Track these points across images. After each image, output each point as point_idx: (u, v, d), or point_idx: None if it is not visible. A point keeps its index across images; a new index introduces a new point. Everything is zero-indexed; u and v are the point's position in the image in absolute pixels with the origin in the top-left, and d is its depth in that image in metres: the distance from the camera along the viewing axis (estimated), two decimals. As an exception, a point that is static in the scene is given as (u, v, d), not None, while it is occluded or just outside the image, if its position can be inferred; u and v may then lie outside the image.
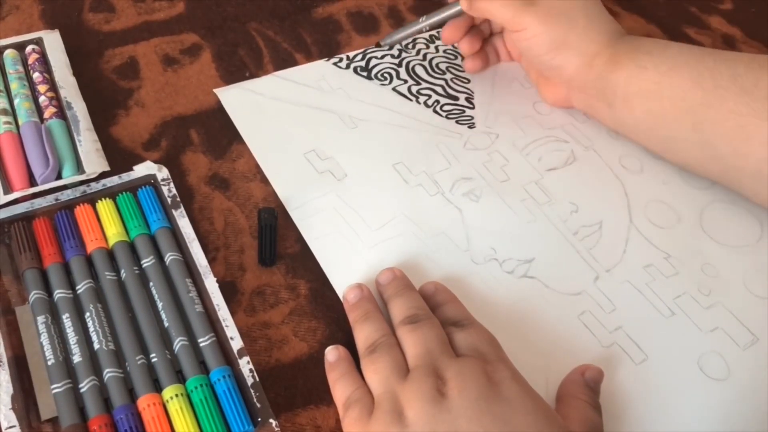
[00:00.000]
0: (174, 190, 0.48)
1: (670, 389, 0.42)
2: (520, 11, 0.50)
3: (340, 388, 0.39)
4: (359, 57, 0.59)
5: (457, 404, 0.35)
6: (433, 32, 0.62)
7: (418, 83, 0.58)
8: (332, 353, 0.41)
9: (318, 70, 0.58)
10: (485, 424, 0.34)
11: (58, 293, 0.42)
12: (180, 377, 0.40)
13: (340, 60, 0.59)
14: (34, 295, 0.42)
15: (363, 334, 0.40)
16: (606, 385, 0.41)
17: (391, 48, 0.59)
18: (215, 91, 0.56)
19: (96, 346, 0.40)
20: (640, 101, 0.49)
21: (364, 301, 0.43)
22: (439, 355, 0.38)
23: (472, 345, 0.39)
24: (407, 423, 0.35)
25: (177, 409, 0.38)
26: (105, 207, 0.46)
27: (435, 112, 0.56)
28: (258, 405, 0.39)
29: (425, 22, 0.55)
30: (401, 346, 0.39)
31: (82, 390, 0.38)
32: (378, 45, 0.58)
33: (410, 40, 0.61)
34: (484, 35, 0.57)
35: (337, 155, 0.52)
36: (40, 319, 0.41)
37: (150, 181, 0.48)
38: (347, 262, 0.46)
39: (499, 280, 0.46)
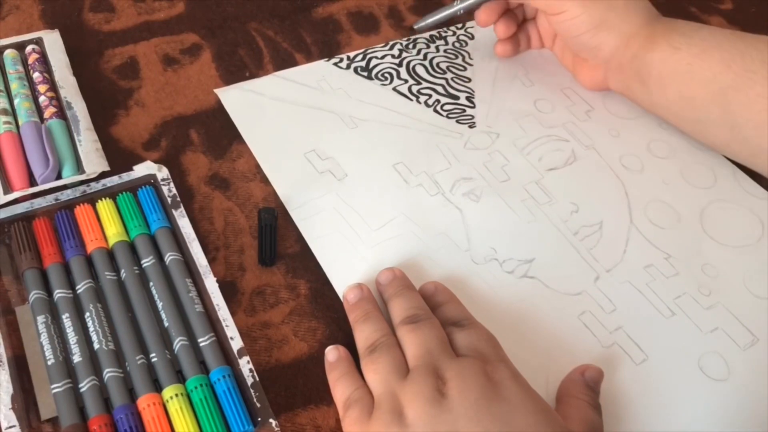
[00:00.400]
0: (174, 190, 0.48)
1: (671, 389, 0.42)
2: None
3: (341, 388, 0.39)
4: (360, 57, 0.59)
5: (457, 404, 0.35)
6: (434, 32, 0.62)
7: (419, 83, 0.58)
8: (332, 353, 0.41)
9: (318, 71, 0.58)
10: (485, 424, 0.34)
11: (58, 293, 0.42)
12: (180, 377, 0.40)
13: (341, 60, 0.59)
14: (34, 295, 0.41)
15: (363, 334, 0.40)
16: (606, 385, 0.41)
17: (424, 32, 0.59)
18: (216, 91, 0.56)
19: (96, 345, 0.40)
20: (673, 82, 0.50)
21: (364, 301, 0.43)
22: (439, 355, 0.38)
23: (472, 345, 0.39)
24: (407, 423, 0.35)
25: (177, 408, 0.38)
26: (105, 207, 0.46)
27: (435, 111, 0.56)
28: (258, 405, 0.39)
29: (460, 5, 0.56)
30: (401, 346, 0.39)
31: (82, 390, 0.38)
32: (412, 30, 0.58)
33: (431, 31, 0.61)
34: (518, 20, 0.58)
35: (338, 155, 0.52)
36: (40, 319, 0.41)
37: (150, 181, 0.48)
38: (347, 261, 0.46)
39: (500, 280, 0.46)
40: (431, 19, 0.58)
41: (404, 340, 0.39)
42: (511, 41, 0.58)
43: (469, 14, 0.58)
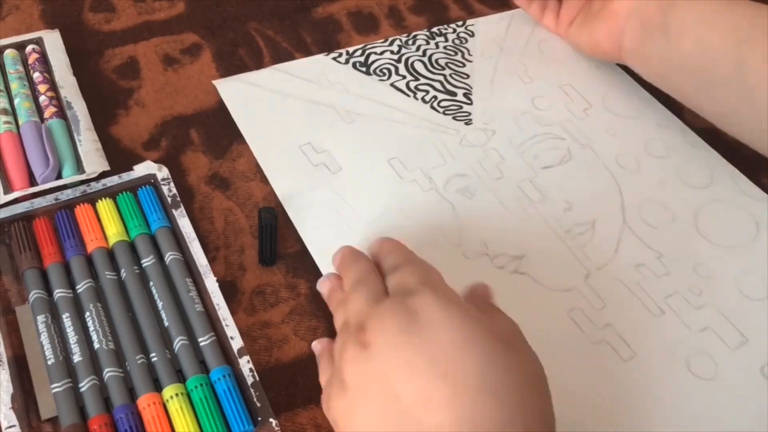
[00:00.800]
0: (174, 190, 0.48)
1: (657, 387, 0.42)
2: None
3: (321, 371, 0.39)
4: (358, 52, 0.60)
5: (378, 349, 0.33)
6: (434, 29, 0.62)
7: (417, 79, 0.58)
8: (316, 346, 0.41)
9: (317, 65, 0.58)
10: (407, 357, 0.32)
11: (58, 293, 0.42)
12: (180, 377, 0.40)
13: (340, 55, 0.59)
14: (34, 294, 0.42)
15: (340, 319, 0.39)
16: (593, 382, 0.42)
17: None
18: (214, 83, 0.56)
19: (96, 345, 0.40)
20: (694, 27, 0.49)
21: (338, 290, 0.42)
22: (366, 309, 0.36)
23: (399, 284, 0.37)
24: (346, 387, 0.34)
25: (177, 408, 0.38)
26: (105, 207, 0.46)
27: (432, 108, 0.56)
28: (258, 404, 0.39)
29: None
30: None
31: (82, 389, 0.39)
32: None
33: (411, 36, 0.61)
34: None
35: (333, 149, 0.52)
36: (40, 318, 0.41)
37: (150, 180, 0.48)
38: None
39: (490, 275, 0.46)
40: None
41: (335, 312, 0.40)
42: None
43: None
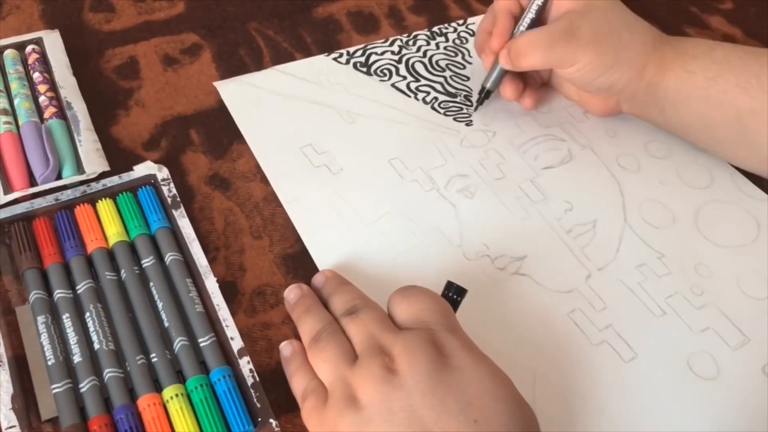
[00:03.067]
0: (174, 190, 0.48)
1: (659, 388, 0.42)
2: (568, 50, 0.49)
3: (296, 381, 0.39)
4: (359, 53, 0.60)
5: (409, 378, 0.34)
6: (434, 29, 0.62)
7: (417, 80, 0.58)
8: (287, 348, 0.41)
9: (318, 65, 0.58)
10: (439, 395, 0.34)
11: (58, 293, 0.42)
12: (180, 377, 0.40)
13: (340, 55, 0.59)
14: (34, 295, 0.42)
15: (306, 327, 0.40)
16: (594, 383, 0.42)
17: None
18: (215, 84, 0.56)
19: (96, 346, 0.40)
20: (689, 106, 0.50)
21: (304, 298, 0.42)
22: (382, 334, 0.37)
23: (414, 316, 0.38)
24: (361, 406, 0.34)
25: (177, 409, 0.38)
26: (105, 207, 0.46)
27: (433, 108, 0.56)
28: (258, 405, 0.39)
29: (489, 86, 0.54)
30: (347, 337, 0.39)
31: (82, 390, 0.38)
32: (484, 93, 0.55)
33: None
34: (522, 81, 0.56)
35: (334, 150, 0.52)
36: (40, 319, 0.41)
37: (150, 181, 0.48)
38: (340, 255, 0.46)
39: (491, 276, 0.46)
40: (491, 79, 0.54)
41: (348, 331, 0.39)
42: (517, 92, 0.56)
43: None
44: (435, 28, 0.62)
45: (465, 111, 0.56)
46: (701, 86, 0.48)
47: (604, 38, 0.49)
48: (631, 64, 0.50)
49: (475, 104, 0.56)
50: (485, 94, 0.54)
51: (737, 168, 0.53)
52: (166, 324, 0.41)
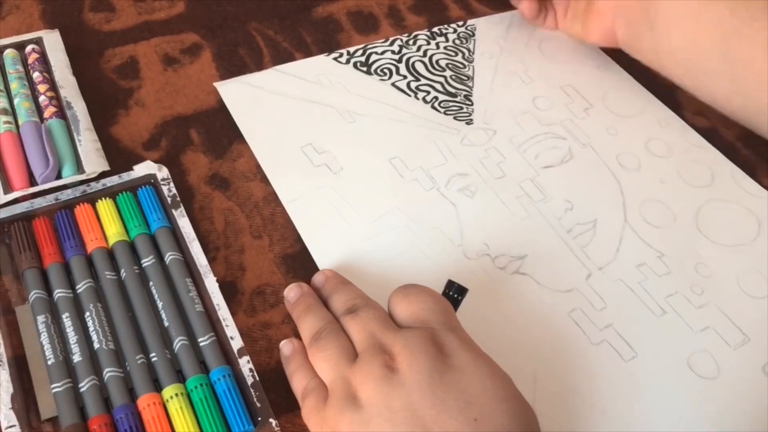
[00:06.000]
0: (174, 190, 0.48)
1: (659, 387, 0.42)
2: None
3: (297, 380, 0.39)
4: (359, 52, 0.60)
5: (409, 378, 0.34)
6: (435, 29, 0.62)
7: (418, 79, 0.58)
8: (287, 347, 0.41)
9: (318, 65, 0.58)
10: (439, 395, 0.34)
11: (58, 293, 0.42)
12: (180, 377, 0.40)
13: (341, 55, 0.59)
14: (34, 294, 0.42)
15: (306, 325, 0.40)
16: (594, 383, 0.42)
17: None
18: (215, 84, 0.56)
19: (96, 345, 0.40)
20: (679, 24, 0.50)
21: (304, 297, 0.42)
22: (382, 333, 0.37)
23: (415, 315, 0.38)
24: (361, 404, 0.34)
25: (177, 408, 0.38)
26: (105, 207, 0.46)
27: (433, 108, 0.56)
28: (258, 404, 0.39)
29: None
30: (348, 336, 0.39)
31: (82, 389, 0.38)
32: None
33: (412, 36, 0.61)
34: None
35: (334, 149, 0.52)
36: (40, 318, 0.41)
37: (150, 180, 0.48)
38: (340, 255, 0.46)
39: (491, 275, 0.46)
40: None
41: (348, 329, 0.39)
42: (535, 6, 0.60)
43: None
44: (435, 29, 0.62)
45: (465, 110, 0.56)
46: (692, 4, 0.49)
47: None
48: None
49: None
50: None
51: (737, 166, 0.53)
52: (166, 323, 0.41)
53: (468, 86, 0.58)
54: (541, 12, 0.61)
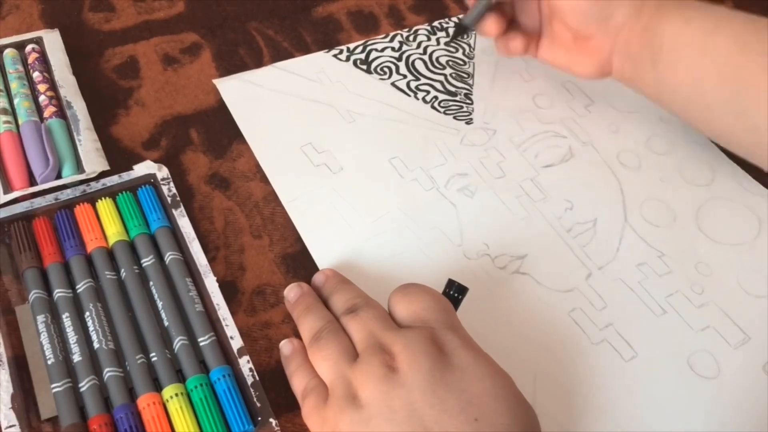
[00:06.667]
0: (174, 190, 0.48)
1: (660, 387, 0.42)
2: None
3: (297, 379, 0.39)
4: (359, 49, 0.60)
5: (409, 377, 0.34)
6: (435, 23, 0.62)
7: (417, 78, 0.58)
8: (287, 346, 0.41)
9: (318, 62, 0.58)
10: (440, 395, 0.34)
11: (58, 293, 0.42)
12: (180, 376, 0.40)
13: (341, 52, 0.59)
14: (34, 294, 0.42)
15: (307, 325, 0.40)
16: (594, 382, 0.42)
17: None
18: (214, 81, 0.56)
19: (96, 345, 0.40)
20: (684, 59, 0.48)
21: (304, 296, 0.42)
22: (382, 332, 0.37)
23: (415, 314, 0.38)
24: (362, 404, 0.34)
25: (177, 408, 0.38)
26: (105, 206, 0.46)
27: (433, 107, 0.56)
28: (258, 404, 0.39)
29: (467, 21, 0.53)
30: (348, 336, 0.39)
31: (82, 389, 0.38)
32: (459, 26, 0.53)
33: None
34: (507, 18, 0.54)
35: (334, 148, 0.52)
36: (40, 318, 0.41)
37: (150, 180, 0.48)
38: (340, 255, 0.46)
39: (491, 275, 0.46)
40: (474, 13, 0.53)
41: (348, 329, 0.39)
42: (501, 40, 0.54)
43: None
44: (436, 23, 0.62)
45: (465, 109, 0.56)
46: (698, 38, 0.47)
47: None
48: None
49: (449, 39, 0.55)
50: (460, 29, 0.53)
51: (738, 164, 0.53)
52: (166, 323, 0.41)
53: (468, 84, 0.58)
54: (507, 34, 0.54)
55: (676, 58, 0.48)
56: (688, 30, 0.47)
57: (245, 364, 0.40)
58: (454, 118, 0.55)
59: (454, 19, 0.63)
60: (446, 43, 0.55)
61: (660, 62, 0.49)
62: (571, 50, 0.53)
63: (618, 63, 0.51)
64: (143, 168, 0.48)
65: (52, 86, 0.53)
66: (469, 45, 0.61)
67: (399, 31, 0.61)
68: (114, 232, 0.45)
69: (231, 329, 0.41)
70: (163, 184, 0.48)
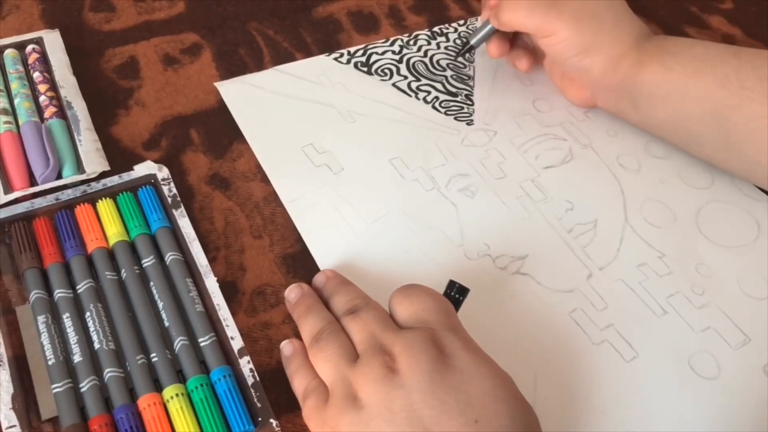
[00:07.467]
0: (174, 190, 0.48)
1: (660, 387, 0.42)
2: (547, 18, 0.50)
3: (298, 380, 0.39)
4: (360, 52, 0.60)
5: (409, 379, 0.34)
6: (435, 29, 0.62)
7: (418, 79, 0.58)
8: (287, 347, 0.41)
9: (319, 65, 0.58)
10: (440, 396, 0.34)
11: (59, 293, 0.42)
12: (180, 377, 0.40)
13: (341, 55, 0.59)
14: (35, 294, 0.41)
15: (307, 326, 0.40)
16: (595, 382, 0.42)
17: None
18: (216, 84, 0.56)
19: (96, 345, 0.40)
20: (666, 103, 0.49)
21: (305, 297, 0.42)
22: (382, 333, 0.37)
23: (415, 315, 0.38)
24: (362, 405, 0.34)
25: (177, 408, 0.38)
26: (105, 207, 0.46)
27: (434, 108, 0.56)
28: (258, 405, 0.39)
29: (473, 42, 0.56)
30: (348, 337, 0.39)
31: (82, 390, 0.38)
32: (467, 46, 0.56)
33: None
34: (509, 40, 0.56)
35: (335, 149, 0.52)
36: (41, 318, 0.41)
37: (150, 180, 0.48)
38: (341, 255, 0.46)
39: (492, 276, 0.46)
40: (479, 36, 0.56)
41: (348, 330, 0.39)
42: (509, 58, 0.57)
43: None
44: (436, 28, 0.62)
45: (466, 110, 0.56)
46: (679, 82, 0.48)
47: (585, 18, 0.50)
48: (607, 53, 0.50)
49: (456, 55, 0.59)
50: (467, 48, 0.56)
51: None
52: (167, 324, 0.41)
53: (469, 86, 0.58)
54: (514, 52, 0.57)
55: (657, 103, 0.50)
56: (669, 77, 0.49)
57: (246, 364, 0.40)
58: (455, 118, 0.55)
59: (454, 25, 0.63)
60: (454, 59, 0.58)
61: (640, 106, 0.51)
62: (563, 80, 0.56)
63: (601, 103, 0.55)
64: (144, 168, 0.48)
65: (53, 86, 0.53)
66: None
67: (399, 36, 0.61)
68: (114, 232, 0.45)
69: (231, 329, 0.41)
70: (164, 185, 0.48)
